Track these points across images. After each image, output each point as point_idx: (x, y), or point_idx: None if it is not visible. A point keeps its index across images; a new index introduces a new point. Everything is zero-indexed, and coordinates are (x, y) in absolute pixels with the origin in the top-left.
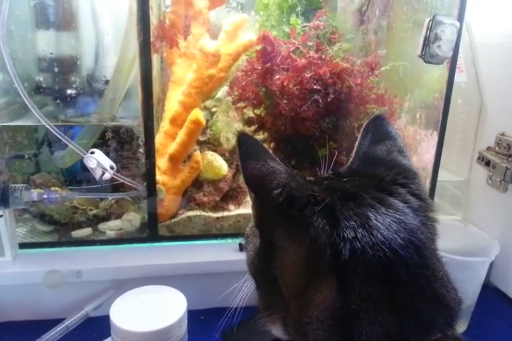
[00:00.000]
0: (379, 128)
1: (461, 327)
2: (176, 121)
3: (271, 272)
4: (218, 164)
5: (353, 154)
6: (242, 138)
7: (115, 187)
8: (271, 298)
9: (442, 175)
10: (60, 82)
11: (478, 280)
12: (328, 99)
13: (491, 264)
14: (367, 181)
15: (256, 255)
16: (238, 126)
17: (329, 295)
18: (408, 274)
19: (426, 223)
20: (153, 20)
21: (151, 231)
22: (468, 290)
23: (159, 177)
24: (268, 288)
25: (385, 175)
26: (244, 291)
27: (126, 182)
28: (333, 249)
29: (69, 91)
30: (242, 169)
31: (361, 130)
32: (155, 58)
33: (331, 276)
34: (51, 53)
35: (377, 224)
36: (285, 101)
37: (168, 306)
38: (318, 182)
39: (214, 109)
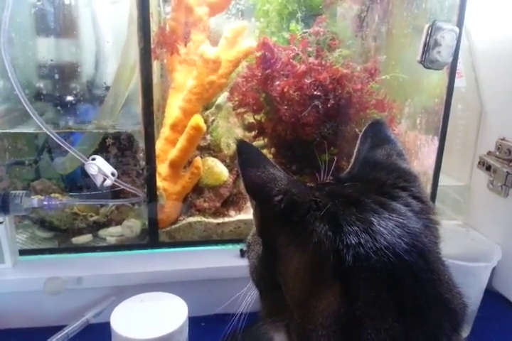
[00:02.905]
0: (377, 133)
1: (464, 332)
2: (177, 127)
3: (274, 279)
4: (219, 170)
5: (352, 159)
6: (241, 146)
7: (115, 193)
8: (274, 305)
9: (443, 180)
10: (61, 89)
11: (480, 285)
12: (329, 105)
13: (493, 269)
14: (368, 186)
15: (259, 263)
16: (238, 131)
17: (334, 301)
18: (413, 279)
19: (429, 226)
20: (154, 27)
21: (151, 237)
22: (471, 295)
23: (160, 183)
24: (271, 295)
25: (386, 179)
26: (247, 299)
27: (127, 189)
28: (337, 255)
29: (69, 98)
30: (243, 177)
31: (360, 135)
32: (155, 65)
33: (335, 282)
34: (52, 60)
35: (381, 229)
36: (285, 106)
37: (169, 313)
38: (320, 188)
39: (212, 118)
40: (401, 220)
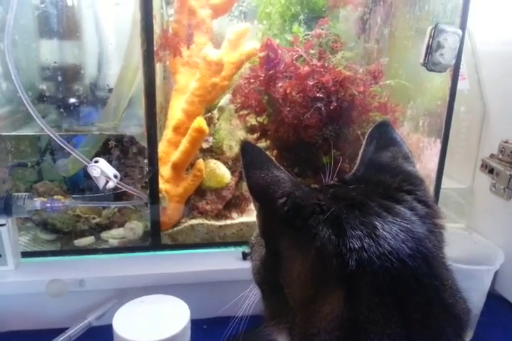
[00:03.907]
0: (383, 135)
1: (466, 336)
2: (179, 129)
3: (277, 282)
4: (221, 172)
5: (357, 161)
6: (245, 147)
7: (118, 195)
8: (277, 307)
9: (446, 183)
10: (64, 91)
11: (483, 288)
12: (331, 107)
13: (496, 272)
14: (373, 188)
15: (261, 264)
16: (241, 134)
17: (336, 306)
18: (417, 284)
19: (433, 230)
20: (157, 29)
21: (153, 239)
22: (473, 299)
23: (162, 185)
24: (274, 297)
25: (391, 182)
26: (249, 300)
27: (130, 191)
28: (340, 260)
29: (72, 100)
30: (247, 178)
31: (366, 136)
32: (158, 67)
33: (338, 287)
34: (55, 62)
35: (384, 233)
36: (288, 108)
37: (171, 316)
38: (324, 191)
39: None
40: (405, 225)
